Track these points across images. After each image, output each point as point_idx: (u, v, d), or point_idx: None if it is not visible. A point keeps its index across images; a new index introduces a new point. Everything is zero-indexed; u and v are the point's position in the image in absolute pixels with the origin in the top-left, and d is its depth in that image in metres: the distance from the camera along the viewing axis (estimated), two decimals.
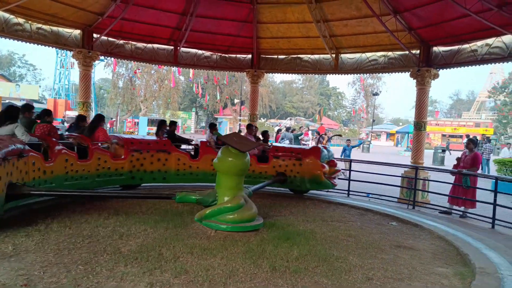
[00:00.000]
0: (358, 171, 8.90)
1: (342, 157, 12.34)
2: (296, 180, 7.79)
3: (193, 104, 57.71)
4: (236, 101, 42.19)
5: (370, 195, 8.68)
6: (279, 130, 21.11)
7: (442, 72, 9.47)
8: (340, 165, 9.64)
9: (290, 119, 44.61)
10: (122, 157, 7.21)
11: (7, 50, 62.30)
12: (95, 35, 9.75)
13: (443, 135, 43.13)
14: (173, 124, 8.79)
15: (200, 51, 11.47)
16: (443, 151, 21.08)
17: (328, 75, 16.00)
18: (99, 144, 7.04)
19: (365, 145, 29.77)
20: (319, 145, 8.64)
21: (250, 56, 11.66)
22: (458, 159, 8.01)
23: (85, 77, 9.93)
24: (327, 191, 8.54)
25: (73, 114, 35.79)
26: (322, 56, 11.08)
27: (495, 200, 6.70)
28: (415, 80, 9.49)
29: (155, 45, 10.93)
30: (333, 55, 10.72)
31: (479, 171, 9.93)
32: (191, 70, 33.49)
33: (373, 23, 9.32)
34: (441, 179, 8.25)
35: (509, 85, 38.74)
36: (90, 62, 9.84)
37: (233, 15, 10.35)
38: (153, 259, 3.76)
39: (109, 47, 10.25)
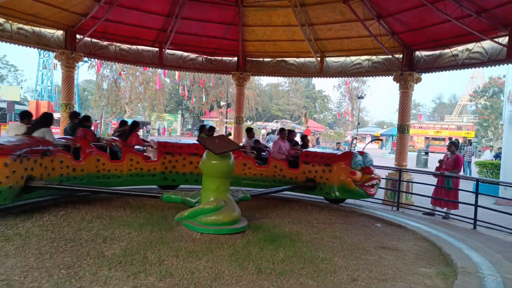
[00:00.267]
0: None
1: None
2: (326, 188, 7.31)
3: (179, 107, 57.35)
4: (222, 103, 42.12)
5: None
6: (269, 133, 21.17)
7: (425, 76, 9.66)
8: None
9: (277, 122, 44.73)
10: (155, 159, 7.74)
11: None
12: (78, 36, 9.60)
13: (426, 138, 43.93)
14: (212, 129, 8.91)
15: (185, 53, 11.43)
16: (426, 153, 21.46)
17: (313, 78, 16.17)
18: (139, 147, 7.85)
19: (351, 147, 30.07)
20: (354, 150, 8.37)
21: (236, 58, 11.67)
22: (440, 161, 8.17)
23: (68, 78, 9.77)
24: (366, 200, 7.90)
25: (56, 116, 35.18)
26: (307, 59, 11.17)
27: (476, 201, 6.87)
28: (398, 84, 9.66)
29: (140, 47, 10.84)
30: (318, 59, 10.82)
31: (461, 173, 10.15)
32: (176, 72, 33.36)
33: (357, 27, 9.45)
34: (425, 181, 8.40)
35: (489, 89, 39.73)
36: (73, 64, 9.69)
37: (219, 17, 10.36)
38: (138, 262, 3.71)
39: (92, 48, 10.12)
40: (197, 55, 11.53)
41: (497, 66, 8.21)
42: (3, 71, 61.72)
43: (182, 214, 5.09)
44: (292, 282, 3.51)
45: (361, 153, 7.42)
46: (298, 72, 11.51)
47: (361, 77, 51.72)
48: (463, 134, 38.49)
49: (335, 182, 7.15)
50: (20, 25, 8.68)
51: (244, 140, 10.21)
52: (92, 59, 28.72)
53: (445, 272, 4.03)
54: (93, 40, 10.05)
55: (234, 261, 3.92)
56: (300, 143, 9.38)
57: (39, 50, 35.22)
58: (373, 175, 7.09)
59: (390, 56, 9.61)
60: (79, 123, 7.33)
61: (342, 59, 10.73)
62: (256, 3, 9.82)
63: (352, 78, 52.77)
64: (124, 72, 35.92)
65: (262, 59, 11.68)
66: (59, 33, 9.40)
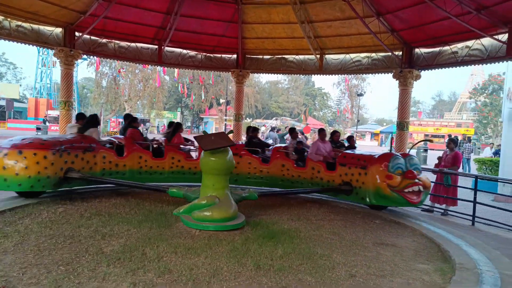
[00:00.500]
0: None
1: None
2: (361, 192, 6.69)
3: (179, 104, 57.29)
4: (221, 101, 42.06)
5: None
6: (272, 129, 21.11)
7: (425, 74, 9.69)
8: None
9: (276, 119, 44.70)
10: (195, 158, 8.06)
11: None
12: (77, 34, 9.60)
13: (426, 135, 43.93)
14: (254, 130, 9.00)
15: (184, 51, 11.42)
16: (426, 150, 21.49)
17: (313, 75, 16.14)
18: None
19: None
20: (393, 152, 7.85)
21: (235, 56, 11.66)
22: (439, 158, 8.18)
23: (67, 76, 9.76)
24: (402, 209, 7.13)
25: (55, 113, 35.14)
26: (307, 56, 11.17)
27: (475, 198, 6.89)
28: (397, 81, 9.66)
29: (139, 44, 10.84)
30: (318, 56, 10.81)
31: (460, 170, 10.16)
32: (176, 70, 33.29)
33: (356, 24, 9.45)
34: None
35: (489, 87, 39.73)
36: (72, 61, 9.68)
37: (218, 15, 10.34)
38: (136, 259, 3.72)
39: (91, 46, 10.11)
40: (196, 52, 11.53)
41: (496, 63, 8.20)
42: (2, 68, 61.70)
43: (179, 209, 5.23)
44: (290, 278, 3.52)
45: (405, 155, 6.59)
46: (297, 69, 11.51)
47: (361, 75, 51.73)
48: (462, 131, 38.48)
49: (370, 187, 6.48)
50: (19, 23, 8.67)
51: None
52: (91, 57, 28.68)
53: (443, 268, 4.04)
54: (92, 37, 10.04)
55: (232, 257, 3.93)
56: (346, 144, 8.82)
57: (38, 47, 35.13)
58: (416, 181, 6.16)
59: (390, 54, 9.61)
60: (128, 124, 8.09)
61: (341, 56, 10.73)
62: (256, 0, 9.80)
63: (352, 75, 52.78)
64: (123, 70, 35.84)
65: (261, 57, 11.67)
66: (58, 30, 9.40)
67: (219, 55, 11.72)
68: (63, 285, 3.07)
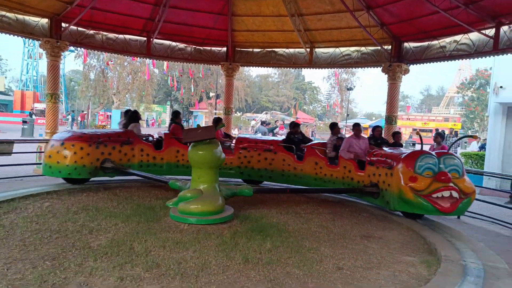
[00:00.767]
0: None
1: None
2: (386, 195, 5.96)
3: (168, 97, 56.84)
4: (211, 94, 41.86)
5: None
6: (262, 123, 21.03)
7: (414, 68, 9.77)
8: None
9: (266, 113, 44.71)
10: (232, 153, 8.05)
11: None
12: (63, 24, 9.40)
13: (414, 129, 44.42)
14: (295, 126, 8.49)
15: (174, 43, 11.29)
16: (413, 144, 21.75)
17: (303, 69, 16.14)
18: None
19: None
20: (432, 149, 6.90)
21: (225, 49, 11.58)
22: None
23: (53, 68, 9.58)
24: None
25: (41, 106, 34.55)
26: (297, 50, 11.15)
27: None
28: (386, 75, 9.71)
29: (127, 36, 10.67)
30: (308, 49, 10.80)
31: None
32: (165, 63, 32.98)
33: (346, 18, 9.45)
34: None
35: (476, 82, 40.25)
36: (58, 53, 9.49)
37: (208, 7, 10.24)
38: (124, 253, 3.70)
39: (78, 37, 9.92)
40: (185, 45, 11.41)
41: (483, 57, 8.30)
42: None
43: (171, 201, 5.37)
44: (278, 271, 3.53)
45: (440, 154, 5.63)
46: (287, 63, 11.48)
47: (351, 69, 51.87)
48: (450, 126, 39.00)
49: (394, 190, 5.70)
50: (3, 13, 8.46)
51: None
52: (79, 49, 28.20)
53: (429, 260, 4.10)
54: (79, 28, 9.85)
55: (221, 251, 3.93)
56: (388, 141, 8.13)
57: (24, 38, 34.38)
58: (451, 184, 5.27)
59: (379, 47, 9.65)
60: (171, 120, 8.50)
61: (331, 50, 10.74)
62: None
63: (342, 69, 52.89)
64: (112, 62, 35.35)
65: (251, 50, 11.61)
66: (44, 21, 9.19)
67: (209, 48, 11.63)
68: (48, 280, 3.04)
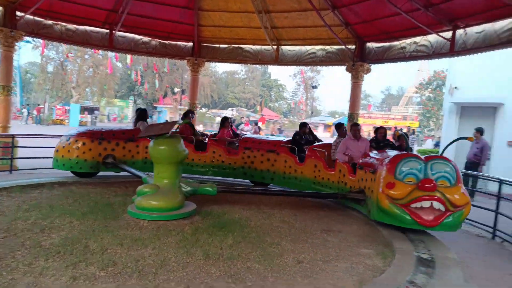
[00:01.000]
0: None
1: None
2: (369, 203, 5.49)
3: (131, 92, 55.22)
4: (176, 90, 41.15)
5: None
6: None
7: (376, 68, 10.05)
8: None
9: (232, 110, 44.63)
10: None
11: None
12: (19, 13, 8.87)
13: (374, 127, 45.94)
14: (303, 125, 8.18)
15: (138, 36, 10.96)
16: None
17: (269, 66, 16.21)
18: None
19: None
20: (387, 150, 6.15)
21: (191, 44, 11.40)
22: None
23: (7, 58, 9.03)
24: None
25: None
26: (263, 47, 11.16)
27: None
28: (350, 74, 9.94)
29: (88, 28, 10.23)
30: (274, 47, 10.84)
31: None
32: (129, 56, 32.02)
33: (312, 16, 9.55)
34: None
35: (433, 82, 42.07)
36: (12, 43, 8.95)
37: (174, 0, 10.01)
38: (78, 252, 3.55)
39: (35, 27, 9.40)
40: (150, 38, 11.11)
41: (441, 59, 8.68)
42: None
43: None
44: (239, 267, 3.53)
45: (429, 158, 4.90)
46: (254, 59, 11.47)
47: (316, 67, 52.70)
48: (408, 124, 40.59)
49: (374, 197, 5.19)
50: None
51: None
52: (36, 39, 26.82)
53: (385, 252, 4.24)
54: (36, 18, 9.33)
55: (181, 247, 3.87)
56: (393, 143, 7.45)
57: None
58: (434, 194, 4.58)
59: (343, 47, 9.85)
60: (181, 119, 8.49)
61: (297, 48, 10.84)
62: None
63: (307, 68, 53.65)
64: (72, 55, 33.92)
65: (218, 45, 11.50)
66: None
67: (174, 42, 11.39)
68: None
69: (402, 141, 7.50)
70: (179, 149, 5.20)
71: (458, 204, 4.61)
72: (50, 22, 9.58)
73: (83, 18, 9.93)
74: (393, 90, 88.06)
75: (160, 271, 3.30)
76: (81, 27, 10.10)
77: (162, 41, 11.23)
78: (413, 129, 26.48)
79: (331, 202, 6.79)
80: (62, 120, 32.68)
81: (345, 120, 15.59)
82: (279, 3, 9.66)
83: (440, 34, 8.15)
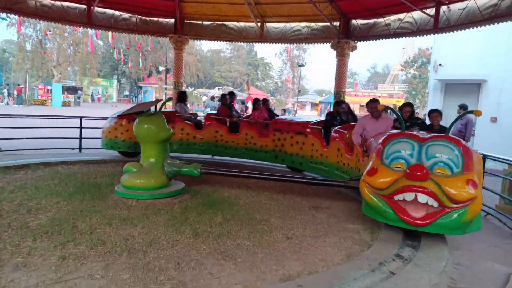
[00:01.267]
0: None
1: None
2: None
3: (115, 71, 54.04)
4: (161, 69, 40.38)
5: None
6: (212, 98, 20.53)
7: (362, 46, 9.99)
8: None
9: (219, 89, 44.13)
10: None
11: None
12: None
13: (361, 105, 46.21)
14: (337, 104, 7.38)
15: (117, 13, 10.58)
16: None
17: (256, 45, 15.96)
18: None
19: (291, 114, 30.98)
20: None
21: (173, 20, 11.09)
22: None
23: None
24: None
25: None
26: (247, 24, 10.95)
27: None
28: (335, 52, 9.89)
29: (65, 3, 9.81)
30: (259, 24, 10.65)
31: None
32: (110, 34, 31.09)
33: None
34: None
35: (418, 60, 42.33)
36: None
37: None
38: (67, 232, 3.53)
39: (7, 2, 8.95)
40: (130, 15, 10.75)
41: (425, 36, 8.68)
42: None
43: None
44: (229, 244, 3.56)
45: (425, 139, 3.93)
46: (238, 37, 11.26)
47: (302, 45, 52.22)
48: (394, 102, 41.03)
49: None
50: None
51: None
52: (11, 16, 25.72)
53: (372, 227, 4.34)
54: None
55: (170, 226, 3.88)
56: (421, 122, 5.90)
57: None
58: (423, 184, 3.60)
59: (328, 24, 9.74)
60: (219, 100, 8.75)
61: (282, 25, 10.67)
62: None
63: (293, 46, 53.12)
64: (51, 32, 32.75)
65: (201, 22, 11.23)
66: None
67: (156, 19, 11.07)
68: None
69: (434, 119, 5.77)
70: (162, 128, 5.15)
71: (458, 199, 3.53)
72: None
73: None
74: (379, 68, 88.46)
75: (149, 249, 3.31)
76: (57, 3, 9.68)
77: (143, 17, 10.88)
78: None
79: (318, 180, 6.85)
80: (44, 100, 31.87)
81: (331, 99, 15.61)
82: None
83: (424, 10, 8.13)
